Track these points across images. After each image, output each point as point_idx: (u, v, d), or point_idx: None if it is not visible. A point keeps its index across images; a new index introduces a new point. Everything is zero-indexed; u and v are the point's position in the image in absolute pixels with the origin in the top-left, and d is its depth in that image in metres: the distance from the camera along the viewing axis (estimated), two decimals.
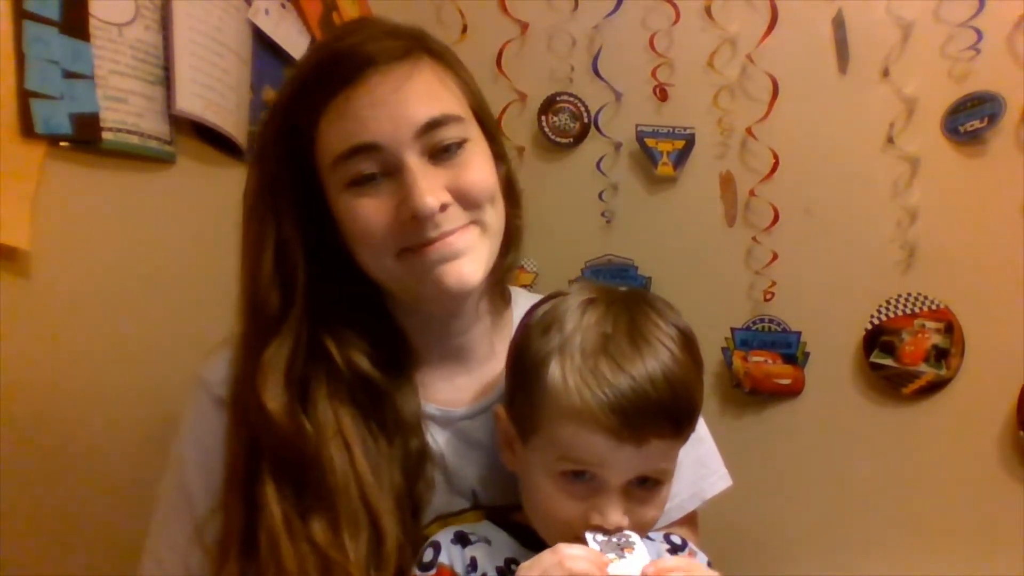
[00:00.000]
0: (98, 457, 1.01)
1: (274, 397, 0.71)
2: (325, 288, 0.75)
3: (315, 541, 0.69)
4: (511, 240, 0.81)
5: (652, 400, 0.65)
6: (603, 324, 0.69)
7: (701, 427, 0.89)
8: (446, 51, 0.77)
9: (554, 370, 0.67)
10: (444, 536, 0.72)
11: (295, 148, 0.73)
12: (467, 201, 0.72)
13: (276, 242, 0.73)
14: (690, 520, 0.86)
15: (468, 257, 0.72)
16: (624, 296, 0.73)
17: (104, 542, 1.00)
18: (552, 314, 0.71)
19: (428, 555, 0.71)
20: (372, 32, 0.74)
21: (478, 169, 0.73)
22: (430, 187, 0.69)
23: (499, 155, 0.79)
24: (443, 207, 0.70)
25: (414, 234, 0.70)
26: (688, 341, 0.72)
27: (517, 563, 0.70)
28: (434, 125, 0.70)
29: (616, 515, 0.66)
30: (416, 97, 0.70)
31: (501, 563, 0.70)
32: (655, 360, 0.67)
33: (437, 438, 0.78)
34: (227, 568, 0.72)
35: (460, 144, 0.72)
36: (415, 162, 0.69)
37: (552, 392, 0.67)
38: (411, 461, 0.75)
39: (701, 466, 0.87)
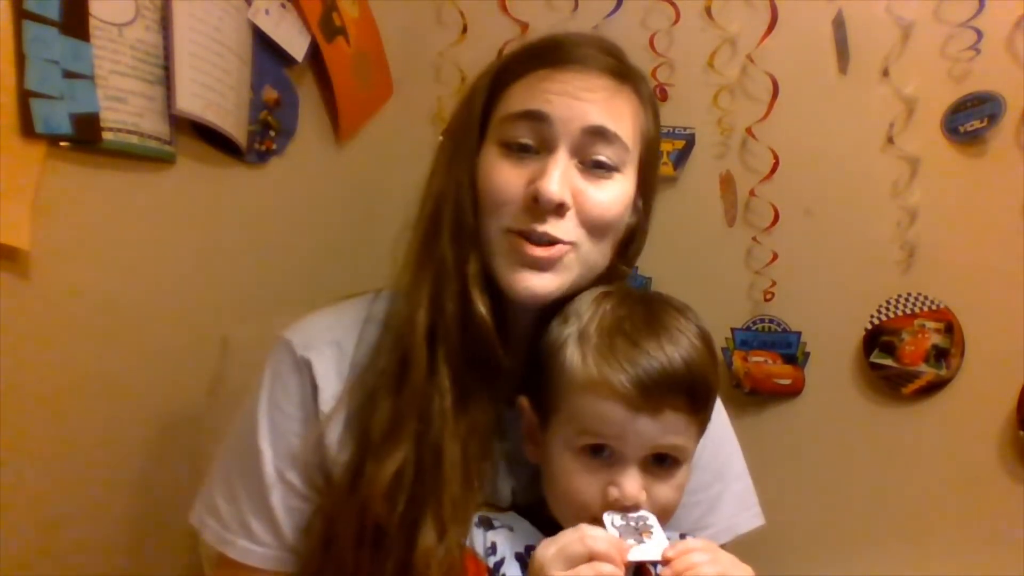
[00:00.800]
0: (98, 457, 1.01)
1: (482, 304, 0.73)
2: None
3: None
4: (598, 278, 0.81)
5: (668, 372, 0.67)
6: (619, 310, 0.72)
7: (741, 463, 0.92)
8: (652, 99, 0.82)
9: (572, 350, 0.70)
10: (470, 520, 0.73)
11: (486, 104, 0.77)
12: (583, 217, 0.74)
13: (471, 180, 0.76)
14: None
15: (552, 276, 0.74)
16: (640, 293, 0.77)
17: (104, 542, 1.00)
18: (569, 307, 0.75)
19: None
20: (599, 45, 0.79)
21: (610, 196, 0.75)
22: (562, 180, 0.72)
23: (637, 208, 0.82)
24: (561, 207, 0.72)
25: (525, 217, 0.72)
26: (705, 337, 0.73)
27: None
28: (603, 134, 0.73)
29: (633, 487, 0.67)
30: (604, 107, 0.74)
31: (521, 549, 0.71)
32: (670, 342, 0.69)
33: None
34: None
35: (610, 169, 0.75)
36: (565, 154, 0.73)
37: (570, 369, 0.69)
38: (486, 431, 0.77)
39: (740, 502, 0.89)
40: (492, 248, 0.75)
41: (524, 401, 0.76)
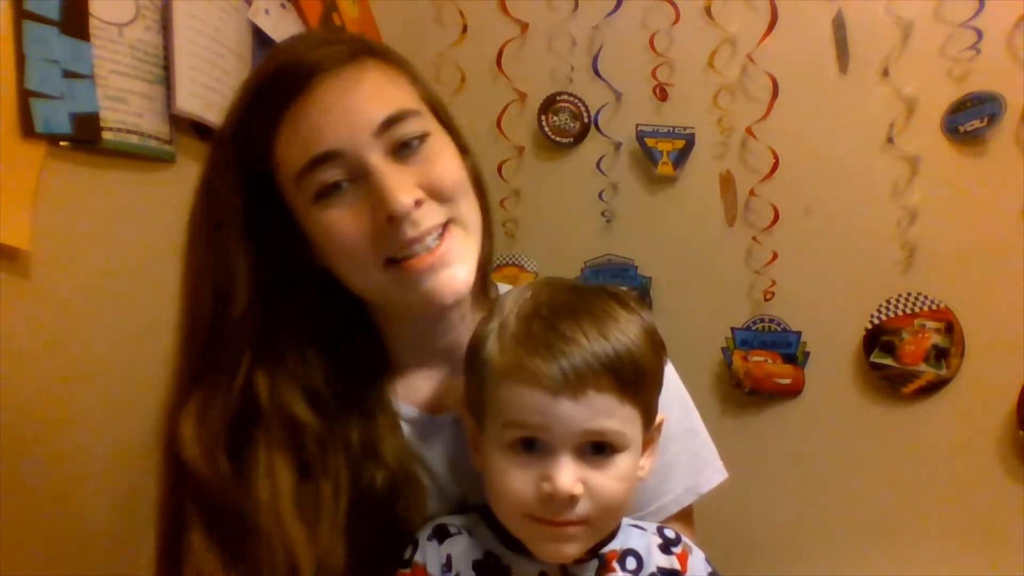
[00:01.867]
0: (98, 457, 1.01)
1: (194, 443, 0.69)
2: (276, 321, 0.72)
3: None
4: (484, 234, 0.79)
5: (587, 352, 0.63)
6: (540, 297, 0.69)
7: (693, 418, 0.86)
8: (390, 51, 0.76)
9: (491, 342, 0.67)
10: (424, 532, 0.71)
11: (250, 173, 0.70)
12: (440, 195, 0.70)
13: (215, 281, 0.71)
14: (686, 516, 0.85)
15: (458, 265, 0.71)
16: (581, 285, 0.73)
17: (104, 542, 1.00)
18: (496, 304, 0.71)
19: (407, 552, 0.71)
20: (312, 42, 0.72)
21: (445, 161, 0.72)
22: (401, 185, 0.67)
23: (462, 148, 0.77)
24: (417, 203, 0.68)
25: (395, 239, 0.68)
26: (646, 329, 0.69)
27: (496, 556, 0.69)
28: (392, 122, 0.68)
29: (566, 478, 0.63)
30: (368, 97, 0.68)
31: (480, 555, 0.69)
32: (593, 323, 0.65)
33: (420, 443, 0.77)
34: None
35: (422, 138, 0.70)
36: (379, 162, 0.67)
37: (490, 361, 0.66)
38: (377, 491, 0.73)
39: (696, 459, 0.84)
40: (378, 288, 0.71)
41: (463, 411, 0.73)
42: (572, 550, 0.67)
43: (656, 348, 0.69)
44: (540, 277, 0.75)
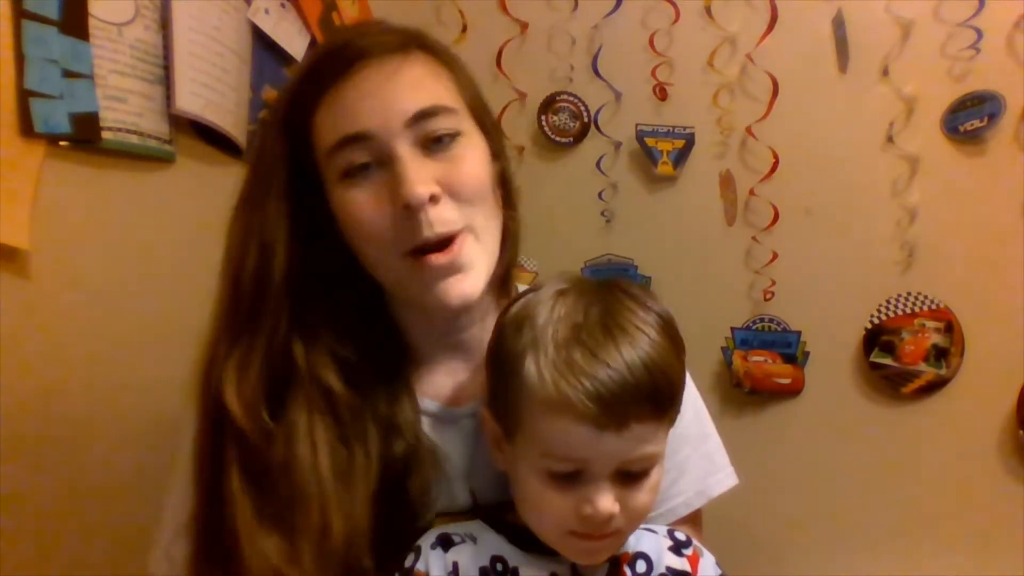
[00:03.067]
0: (98, 457, 1.01)
1: (236, 398, 0.70)
2: (312, 291, 0.74)
3: (269, 551, 0.68)
4: (507, 239, 0.80)
5: (630, 385, 0.64)
6: (575, 315, 0.68)
7: (707, 424, 0.88)
8: (442, 48, 0.77)
9: (529, 366, 0.67)
10: (426, 540, 0.71)
11: (292, 145, 0.73)
12: (458, 195, 0.71)
13: (261, 241, 0.72)
14: (695, 518, 0.86)
15: (470, 272, 0.72)
16: (597, 285, 0.72)
17: (104, 541, 1.00)
18: (524, 310, 0.71)
19: (409, 560, 0.71)
20: (368, 29, 0.75)
21: (471, 163, 0.73)
22: (420, 177, 0.68)
23: (495, 153, 0.79)
24: (433, 198, 0.69)
25: (410, 231, 0.69)
26: (666, 324, 0.70)
27: (503, 561, 0.69)
28: (425, 115, 0.70)
29: (606, 502, 0.65)
30: (407, 87, 0.70)
31: (486, 562, 0.69)
32: (630, 346, 0.66)
33: (437, 435, 0.78)
34: (198, 561, 0.72)
35: (453, 136, 0.72)
36: (406, 151, 0.69)
37: (529, 388, 0.66)
38: (396, 465, 0.74)
39: (708, 463, 0.85)
40: (395, 275, 0.73)
41: (485, 413, 0.73)
42: (604, 556, 0.70)
43: (679, 351, 0.71)
44: (559, 274, 0.75)
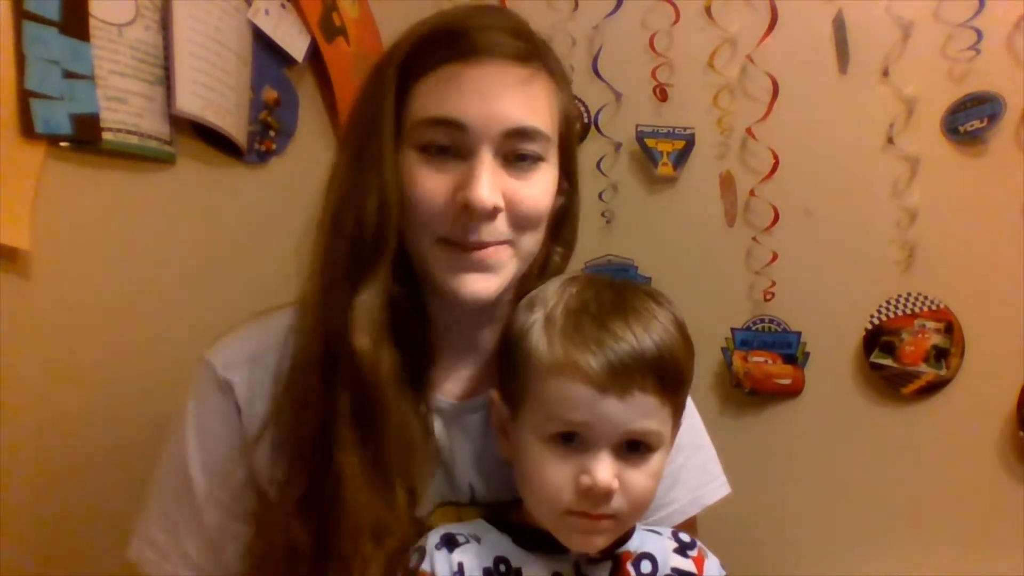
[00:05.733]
0: (98, 457, 1.01)
1: (363, 334, 0.71)
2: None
3: (375, 502, 0.70)
4: (547, 270, 0.82)
5: (636, 351, 0.65)
6: (585, 293, 0.70)
7: (701, 434, 0.89)
8: (562, 71, 0.79)
9: (537, 335, 0.69)
10: (431, 540, 0.71)
11: (398, 94, 0.73)
12: (516, 216, 0.72)
13: (381, 185, 0.72)
14: (689, 526, 0.87)
15: (492, 275, 0.73)
16: (609, 279, 0.75)
17: (104, 541, 1.00)
18: (536, 294, 0.73)
19: (413, 560, 0.71)
20: (501, 23, 0.75)
21: (540, 190, 0.74)
22: (492, 184, 0.70)
23: (563, 190, 0.80)
24: (494, 210, 0.70)
25: (458, 228, 0.71)
26: (679, 324, 0.71)
27: (506, 561, 0.70)
28: (523, 134, 0.71)
29: (605, 473, 0.65)
30: (521, 102, 0.71)
31: (489, 563, 0.69)
32: (639, 323, 0.67)
33: (443, 430, 0.79)
34: (289, 524, 0.71)
35: (535, 160, 0.73)
36: (488, 156, 0.70)
37: (536, 354, 0.68)
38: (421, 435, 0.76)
39: (703, 472, 0.87)
40: (425, 257, 0.74)
41: (494, 395, 0.75)
42: (600, 542, 0.68)
43: (690, 347, 0.72)
44: (574, 272, 0.77)
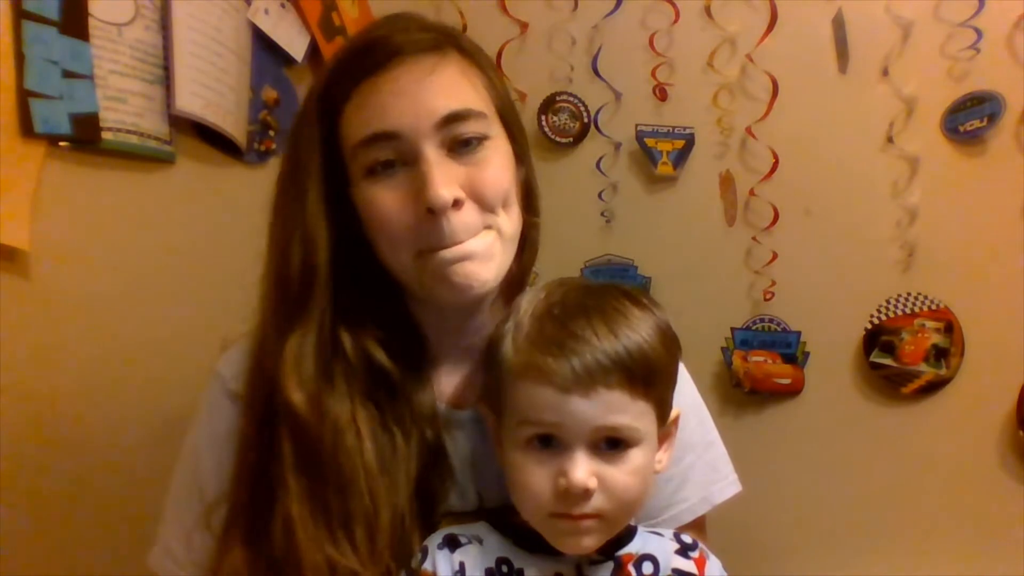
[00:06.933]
0: (98, 457, 1.01)
1: (296, 389, 0.70)
2: (347, 281, 0.74)
3: (323, 540, 0.69)
4: (526, 245, 0.82)
5: (596, 348, 0.65)
6: (553, 297, 0.71)
7: (711, 431, 0.89)
8: (476, 49, 0.78)
9: (507, 342, 0.69)
10: (433, 541, 0.72)
11: (323, 135, 0.73)
12: (482, 201, 0.72)
13: (303, 231, 0.72)
14: (699, 525, 0.86)
15: (482, 259, 0.72)
16: (592, 283, 0.76)
17: (105, 541, 1.00)
18: (515, 302, 0.73)
19: (416, 560, 0.71)
20: (405, 25, 0.75)
21: (496, 168, 0.73)
22: (445, 180, 0.69)
23: (520, 158, 0.79)
24: (457, 203, 0.70)
25: (430, 234, 0.70)
26: (658, 323, 0.70)
27: (508, 562, 0.70)
28: (455, 118, 0.70)
29: (580, 473, 0.64)
30: (440, 89, 0.70)
31: (491, 564, 0.70)
32: (603, 321, 0.67)
33: (447, 438, 0.78)
34: (231, 555, 0.71)
35: (480, 140, 0.72)
36: (432, 153, 0.69)
37: (505, 362, 0.69)
38: (427, 452, 0.75)
39: (712, 471, 0.87)
40: (407, 272, 0.73)
41: (482, 406, 0.75)
42: (590, 542, 0.68)
43: (669, 344, 0.70)
44: (553, 278, 0.77)
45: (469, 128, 0.71)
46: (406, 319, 0.80)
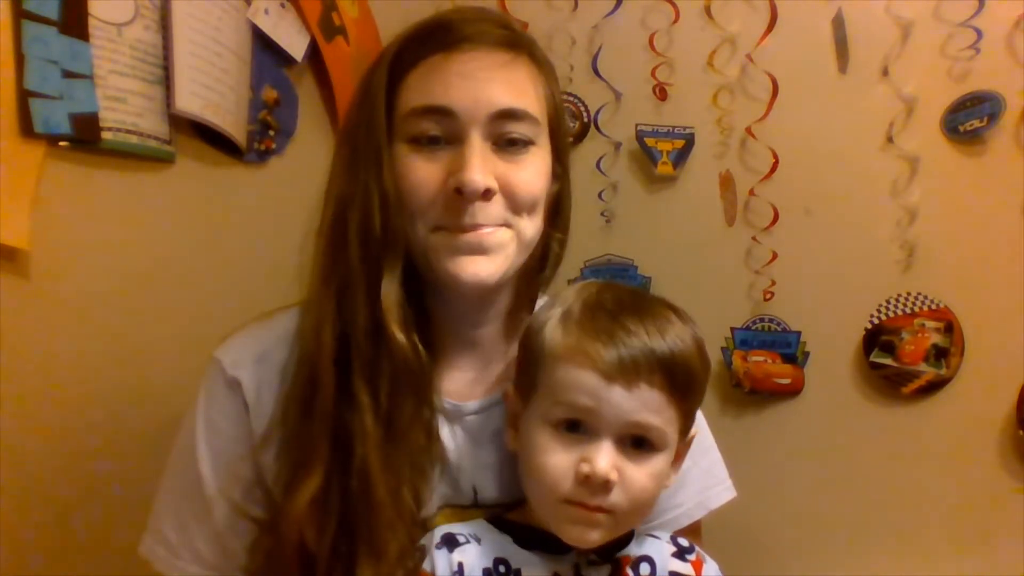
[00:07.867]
0: (98, 457, 1.01)
1: (399, 328, 0.72)
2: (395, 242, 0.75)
3: (392, 486, 0.71)
4: (548, 259, 0.84)
5: (646, 346, 0.67)
6: (605, 294, 0.72)
7: (708, 438, 0.90)
8: (546, 60, 0.81)
9: (554, 326, 0.71)
10: (431, 540, 0.72)
11: (388, 91, 0.74)
12: (511, 198, 0.73)
13: (380, 183, 0.73)
14: (694, 530, 0.87)
15: (492, 257, 0.73)
16: (633, 287, 0.77)
17: (105, 541, 1.00)
18: (557, 294, 0.75)
19: (413, 559, 0.71)
20: (487, 16, 0.78)
21: (532, 172, 0.75)
22: (483, 167, 0.70)
23: (557, 174, 0.81)
24: (487, 193, 0.71)
25: (453, 212, 0.71)
26: (697, 339, 0.73)
27: (506, 563, 0.70)
28: (510, 115, 0.72)
29: (605, 462, 0.66)
30: (504, 84, 0.72)
31: (489, 564, 0.70)
32: (654, 324, 0.69)
33: (443, 431, 0.79)
34: (307, 483, 0.71)
35: (526, 144, 0.74)
36: (478, 140, 0.71)
37: (550, 343, 0.70)
38: (425, 434, 0.76)
39: (708, 476, 0.88)
40: (423, 248, 0.74)
41: (510, 389, 0.76)
42: (596, 537, 0.68)
43: (705, 361, 0.73)
44: (598, 279, 0.79)
45: (520, 129, 0.73)
46: (421, 300, 0.80)
